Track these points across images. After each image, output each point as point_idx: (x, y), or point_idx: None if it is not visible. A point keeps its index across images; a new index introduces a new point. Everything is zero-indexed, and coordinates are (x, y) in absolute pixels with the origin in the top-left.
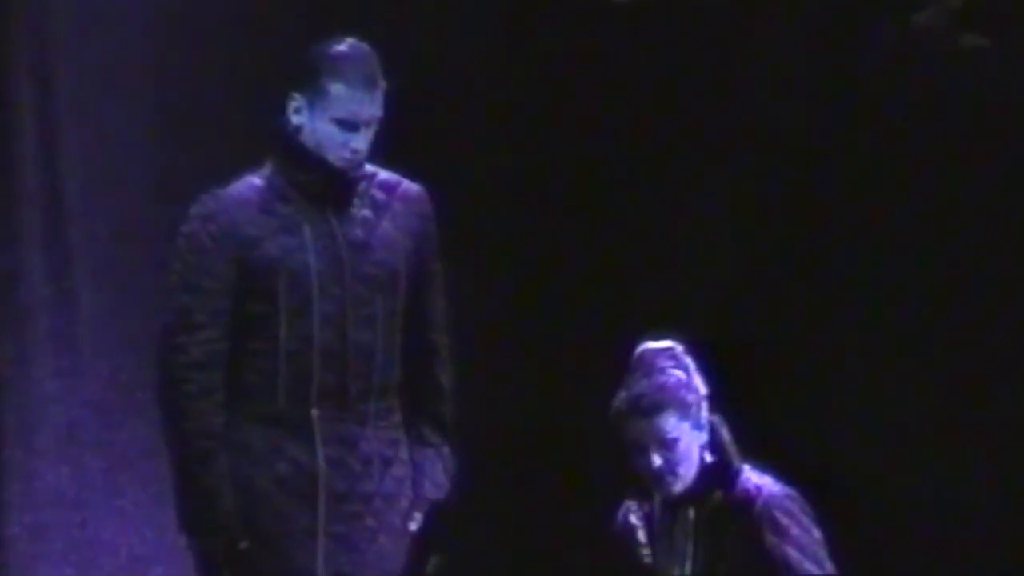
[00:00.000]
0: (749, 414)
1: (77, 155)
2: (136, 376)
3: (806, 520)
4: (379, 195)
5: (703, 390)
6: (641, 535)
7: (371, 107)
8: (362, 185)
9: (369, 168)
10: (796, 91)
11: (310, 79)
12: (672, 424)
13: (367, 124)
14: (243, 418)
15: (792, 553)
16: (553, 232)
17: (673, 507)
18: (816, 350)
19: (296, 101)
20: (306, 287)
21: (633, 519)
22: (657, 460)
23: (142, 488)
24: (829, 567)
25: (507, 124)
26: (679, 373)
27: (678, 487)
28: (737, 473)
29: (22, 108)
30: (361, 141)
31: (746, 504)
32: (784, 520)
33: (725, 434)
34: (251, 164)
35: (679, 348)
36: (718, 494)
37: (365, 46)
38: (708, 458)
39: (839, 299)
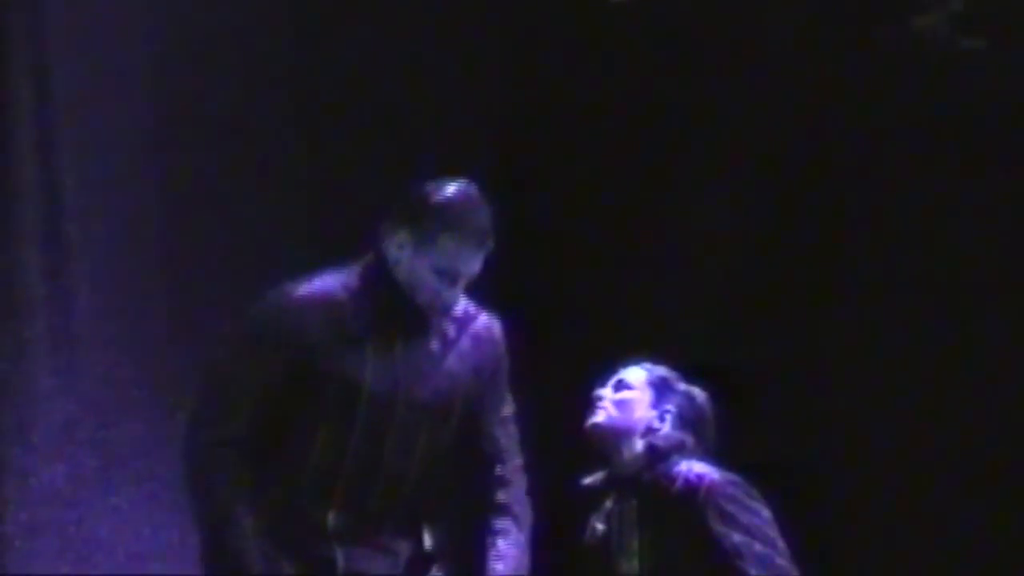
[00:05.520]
0: (737, 433)
1: (74, 153)
2: (132, 374)
3: (751, 503)
4: (450, 329)
5: (684, 407)
6: (599, 534)
7: (475, 265)
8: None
9: None
10: (793, 99)
11: (420, 222)
12: (637, 378)
13: (466, 279)
14: (263, 509)
15: (740, 539)
16: (544, 255)
17: (620, 500)
18: (808, 376)
19: (400, 237)
20: (353, 403)
21: (596, 523)
22: (601, 390)
23: (138, 486)
24: (780, 545)
25: (503, 144)
26: (676, 375)
27: (597, 419)
28: (665, 455)
29: (20, 107)
30: (456, 293)
31: (689, 494)
32: (730, 507)
33: (673, 431)
34: (250, 164)
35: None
36: (661, 484)
37: (479, 195)
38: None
39: (839, 317)
